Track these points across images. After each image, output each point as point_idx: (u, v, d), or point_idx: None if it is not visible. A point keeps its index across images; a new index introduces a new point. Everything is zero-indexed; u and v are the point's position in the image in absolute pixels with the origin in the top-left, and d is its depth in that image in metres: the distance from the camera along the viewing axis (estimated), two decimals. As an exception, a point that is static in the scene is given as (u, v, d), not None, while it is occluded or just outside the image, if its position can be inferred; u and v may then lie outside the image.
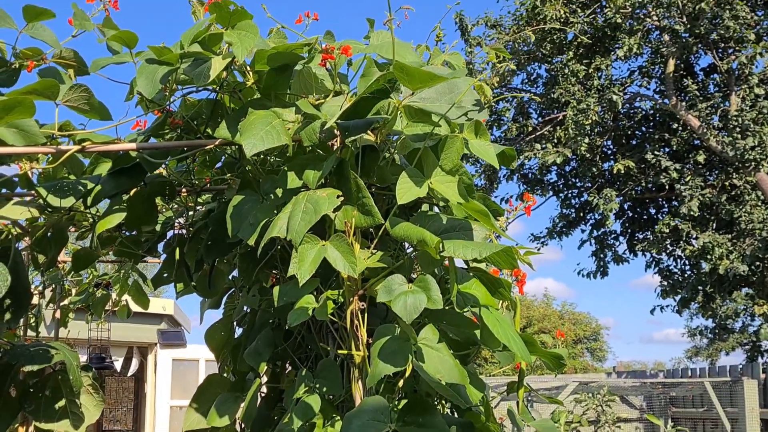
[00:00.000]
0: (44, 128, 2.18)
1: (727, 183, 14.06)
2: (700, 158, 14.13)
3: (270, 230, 1.92)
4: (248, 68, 2.16)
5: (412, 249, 2.04)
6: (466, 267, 1.99)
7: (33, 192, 2.50)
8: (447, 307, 1.85)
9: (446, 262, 1.84)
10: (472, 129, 1.78)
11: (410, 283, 1.76)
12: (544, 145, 15.03)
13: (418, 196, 1.77)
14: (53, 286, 3.84)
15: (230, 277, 3.01)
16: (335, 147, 2.03)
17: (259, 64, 2.06)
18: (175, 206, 2.94)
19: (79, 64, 2.43)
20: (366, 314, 1.95)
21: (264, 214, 2.04)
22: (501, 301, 2.14)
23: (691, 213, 13.51)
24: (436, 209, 2.14)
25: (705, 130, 13.79)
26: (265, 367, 2.37)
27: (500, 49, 2.41)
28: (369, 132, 1.95)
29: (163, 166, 2.46)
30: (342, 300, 1.96)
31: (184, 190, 2.69)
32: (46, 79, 2.06)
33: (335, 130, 1.96)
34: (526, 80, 16.53)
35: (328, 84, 2.12)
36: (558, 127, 15.03)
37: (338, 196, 1.85)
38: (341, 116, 1.88)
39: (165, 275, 3.00)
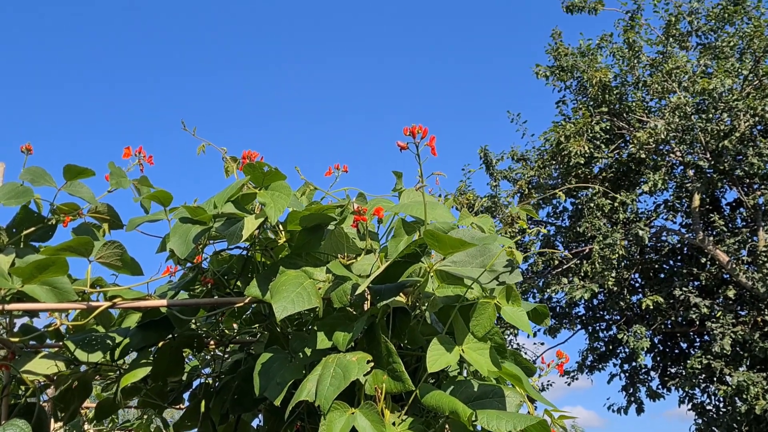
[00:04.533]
0: (76, 284, 2.20)
1: (759, 319, 13.78)
2: (730, 293, 13.92)
3: (298, 393, 1.88)
4: (280, 227, 2.18)
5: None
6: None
7: (60, 343, 2.50)
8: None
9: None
10: (504, 294, 1.76)
11: (442, 455, 1.70)
12: (571, 279, 14.92)
13: (449, 364, 1.74)
14: (74, 432, 3.78)
15: (254, 424, 2.96)
16: (366, 307, 2.02)
17: (292, 224, 2.07)
18: (202, 356, 2.91)
19: (113, 218, 2.47)
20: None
21: (292, 374, 2.01)
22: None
23: (724, 351, 13.20)
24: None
25: (734, 266, 13.65)
26: None
27: (530, 210, 2.43)
28: (400, 294, 1.94)
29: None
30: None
31: (212, 342, 2.67)
32: (81, 237, 2.08)
33: (366, 293, 1.95)
34: (552, 213, 16.61)
35: (359, 243, 2.13)
36: (585, 261, 14.97)
37: (368, 361, 1.82)
38: (373, 280, 1.88)
39: (188, 423, 2.95)
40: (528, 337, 17.51)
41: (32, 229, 2.30)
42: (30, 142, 2.35)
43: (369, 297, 2.00)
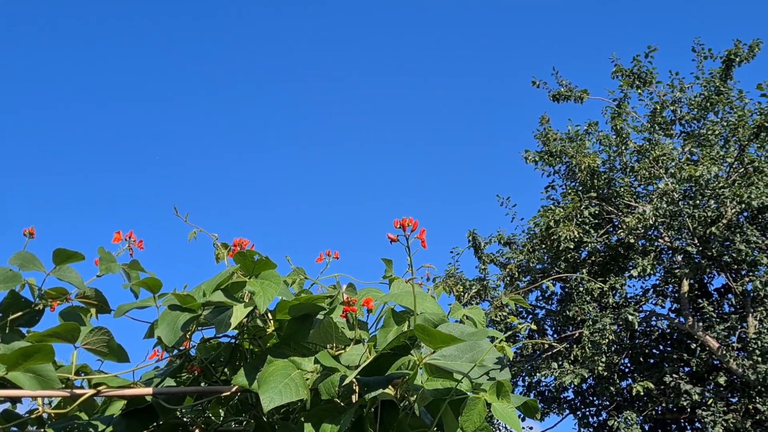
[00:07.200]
0: (61, 370, 2.17)
1: (750, 407, 13.65)
2: (721, 380, 13.83)
3: (283, 488, 1.85)
4: (269, 315, 2.17)
5: None
6: None
7: (42, 430, 2.45)
8: None
9: None
10: (494, 390, 1.75)
11: None
12: (560, 363, 14.81)
13: (438, 461, 1.71)
14: None
15: None
16: (354, 399, 1.99)
17: (281, 313, 2.07)
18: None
19: (101, 303, 2.46)
20: None
21: (278, 466, 1.98)
22: None
23: (716, 440, 13.04)
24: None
25: (724, 352, 13.59)
26: None
27: (520, 300, 2.44)
28: (389, 386, 1.92)
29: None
30: None
31: (196, 429, 2.62)
32: (68, 323, 2.06)
33: (354, 385, 1.94)
34: (541, 297, 16.58)
35: (348, 333, 2.12)
36: (575, 345, 14.88)
37: (356, 455, 1.80)
38: (361, 371, 1.86)
39: None
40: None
41: (19, 314, 2.28)
42: (33, 225, 2.35)
43: (357, 389, 1.98)
